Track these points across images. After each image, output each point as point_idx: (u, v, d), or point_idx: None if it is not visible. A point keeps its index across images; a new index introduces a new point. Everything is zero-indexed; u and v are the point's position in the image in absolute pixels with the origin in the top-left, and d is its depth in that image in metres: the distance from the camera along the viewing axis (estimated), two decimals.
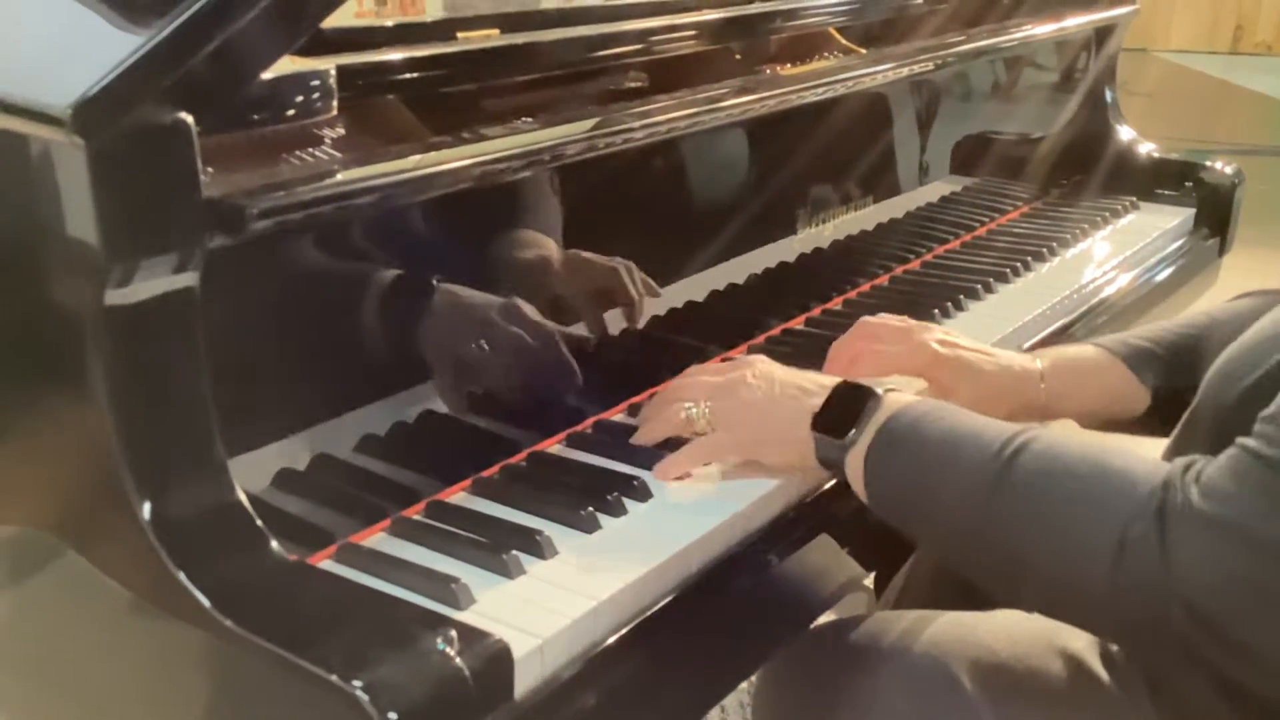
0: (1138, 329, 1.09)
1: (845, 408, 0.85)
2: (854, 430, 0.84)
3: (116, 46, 0.64)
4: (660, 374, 1.09)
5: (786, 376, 0.91)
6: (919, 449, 0.81)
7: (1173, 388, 1.01)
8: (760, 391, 0.90)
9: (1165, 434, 0.97)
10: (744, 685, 1.41)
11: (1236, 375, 0.83)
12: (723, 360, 1.07)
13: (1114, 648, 0.89)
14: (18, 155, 0.67)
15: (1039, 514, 0.75)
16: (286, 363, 0.82)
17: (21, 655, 0.84)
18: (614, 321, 1.06)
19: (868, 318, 1.09)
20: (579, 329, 1.02)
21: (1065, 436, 0.79)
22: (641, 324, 1.08)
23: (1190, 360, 1.00)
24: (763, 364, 0.93)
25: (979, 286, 1.35)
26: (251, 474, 0.77)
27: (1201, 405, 0.88)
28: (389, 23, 0.99)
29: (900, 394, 0.86)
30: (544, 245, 0.99)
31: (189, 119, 0.65)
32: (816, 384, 0.89)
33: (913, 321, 1.08)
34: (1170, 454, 0.90)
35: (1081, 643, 0.90)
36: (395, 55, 0.94)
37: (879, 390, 0.86)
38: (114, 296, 0.66)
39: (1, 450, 0.79)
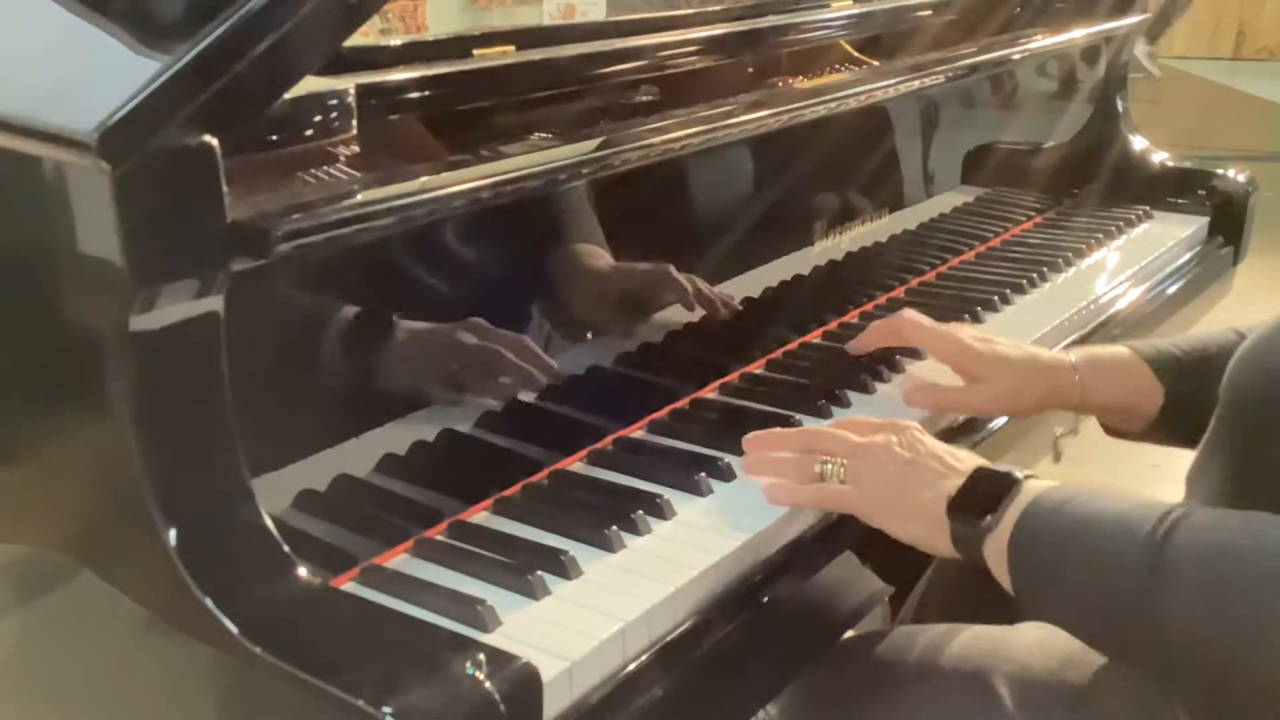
0: (1170, 338, 1.10)
1: (984, 492, 0.84)
2: (991, 516, 0.83)
3: (140, 70, 0.64)
4: (678, 389, 1.09)
5: (932, 449, 0.89)
6: (1066, 536, 0.80)
7: (1187, 391, 1.02)
8: (901, 463, 0.88)
9: (1173, 441, 1.00)
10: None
11: (1267, 349, 0.83)
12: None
13: None
14: (39, 180, 0.67)
15: (1205, 593, 0.73)
16: (306, 382, 0.82)
17: (34, 676, 0.83)
18: (632, 338, 1.05)
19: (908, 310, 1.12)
20: (596, 344, 1.02)
21: (1213, 513, 0.77)
22: (660, 338, 1.07)
23: (1210, 368, 1.00)
24: (912, 433, 0.91)
25: (995, 298, 1.34)
26: (272, 495, 0.77)
27: (1229, 387, 0.87)
28: (400, 41, 0.99)
29: (1039, 480, 0.84)
30: (562, 260, 0.99)
31: (214, 142, 0.65)
32: (959, 463, 0.87)
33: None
34: (1201, 457, 0.90)
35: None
36: (412, 74, 0.94)
37: (1019, 475, 0.84)
38: (139, 322, 0.65)
39: (20, 472, 0.78)
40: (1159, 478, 2.07)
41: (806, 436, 0.94)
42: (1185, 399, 1.00)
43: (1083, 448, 1.27)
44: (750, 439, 0.96)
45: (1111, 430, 1.11)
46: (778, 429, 0.97)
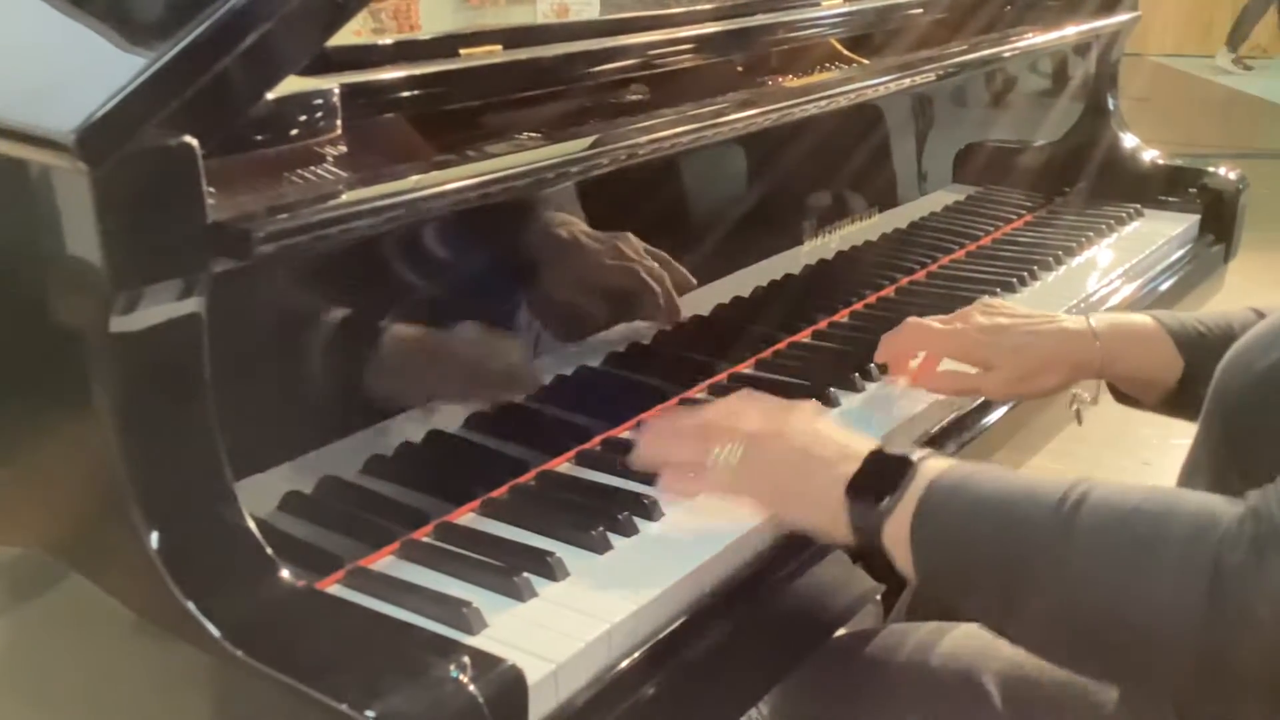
0: (1193, 312, 1.10)
1: (881, 475, 0.82)
2: (890, 498, 0.80)
3: (120, 70, 0.63)
4: (667, 390, 1.09)
5: (828, 433, 0.87)
6: (969, 513, 0.78)
7: (1208, 368, 1.01)
8: (798, 450, 0.86)
9: (1184, 414, 0.99)
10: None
11: (1253, 357, 0.83)
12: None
13: None
14: (19, 180, 0.67)
15: (1118, 562, 0.71)
16: (292, 383, 0.82)
17: (23, 677, 0.83)
18: (621, 338, 1.05)
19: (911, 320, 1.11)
20: (584, 344, 1.02)
21: (1121, 483, 0.76)
22: (649, 338, 1.07)
23: (1227, 344, 1.00)
24: (806, 417, 0.89)
25: (985, 297, 1.34)
26: (257, 497, 0.77)
27: (1216, 391, 0.87)
28: (386, 41, 0.99)
29: (937, 459, 0.82)
30: (548, 259, 0.98)
31: (194, 142, 0.64)
32: (854, 450, 0.84)
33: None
34: (1190, 459, 0.90)
35: None
36: (398, 73, 0.93)
37: (913, 457, 0.82)
38: (119, 324, 0.65)
39: (6, 473, 0.78)
40: (1151, 475, 2.07)
41: (698, 423, 0.90)
42: (1205, 374, 0.99)
43: (1072, 443, 1.26)
44: (648, 428, 0.94)
45: (1122, 398, 1.11)
46: (675, 413, 0.97)
